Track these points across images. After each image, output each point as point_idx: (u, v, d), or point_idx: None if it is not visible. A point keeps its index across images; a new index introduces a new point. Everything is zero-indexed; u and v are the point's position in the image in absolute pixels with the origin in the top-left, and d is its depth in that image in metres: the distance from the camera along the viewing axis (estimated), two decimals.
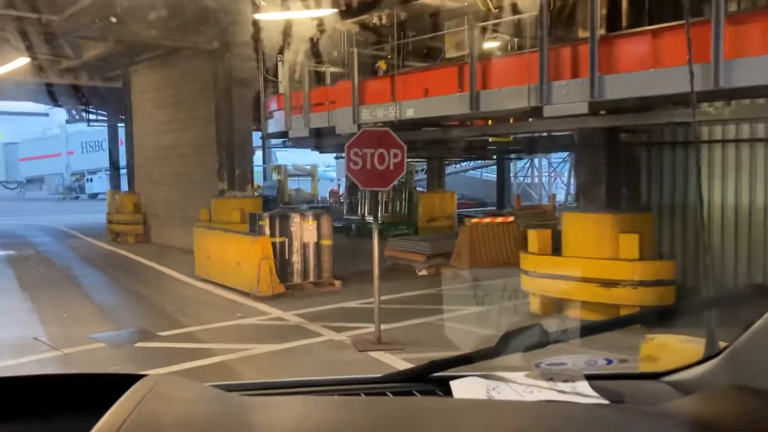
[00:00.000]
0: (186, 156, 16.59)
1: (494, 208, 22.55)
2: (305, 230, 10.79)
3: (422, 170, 23.45)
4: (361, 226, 19.63)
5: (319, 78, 12.14)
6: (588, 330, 1.37)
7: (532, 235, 9.02)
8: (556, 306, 8.51)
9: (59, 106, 25.25)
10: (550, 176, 28.82)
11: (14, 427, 1.18)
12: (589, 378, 1.34)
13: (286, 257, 10.65)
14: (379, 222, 19.33)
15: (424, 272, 11.90)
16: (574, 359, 1.40)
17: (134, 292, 11.26)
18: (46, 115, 25.81)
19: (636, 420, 1.14)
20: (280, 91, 12.04)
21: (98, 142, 37.65)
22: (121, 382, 1.08)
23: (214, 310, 9.44)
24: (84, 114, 25.73)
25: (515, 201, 19.54)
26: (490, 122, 10.26)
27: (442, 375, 1.41)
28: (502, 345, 1.32)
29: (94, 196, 43.13)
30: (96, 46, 15.79)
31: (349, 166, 7.13)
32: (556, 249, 8.82)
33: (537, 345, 1.30)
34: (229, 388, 1.26)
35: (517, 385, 1.33)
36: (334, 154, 23.74)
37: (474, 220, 11.97)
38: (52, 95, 23.22)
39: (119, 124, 23.37)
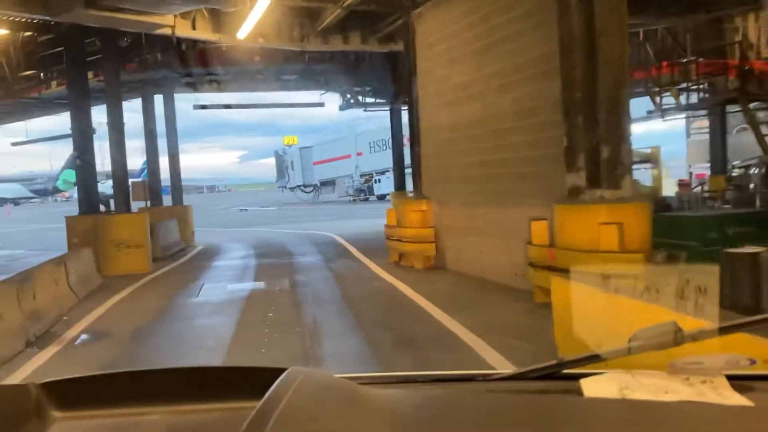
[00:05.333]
0: (502, 134, 10.15)
1: None
2: None
3: None
4: None
5: None
6: (727, 329, 1.24)
7: None
8: None
9: (332, 90, 21.02)
10: None
11: (171, 410, 1.22)
12: (731, 378, 1.16)
13: None
14: None
15: None
16: (713, 359, 1.18)
17: None
18: (322, 105, 21.81)
19: None
20: None
21: (385, 140, 35.48)
22: (265, 375, 1.12)
23: None
24: (360, 98, 21.15)
25: None
26: None
27: (570, 373, 1.28)
28: (634, 343, 1.22)
29: (382, 198, 42.24)
30: None
31: None
32: None
33: (670, 343, 1.19)
34: (360, 381, 1.26)
35: (651, 385, 1.17)
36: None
37: None
38: (324, 76, 18.92)
39: (403, 107, 18.26)
